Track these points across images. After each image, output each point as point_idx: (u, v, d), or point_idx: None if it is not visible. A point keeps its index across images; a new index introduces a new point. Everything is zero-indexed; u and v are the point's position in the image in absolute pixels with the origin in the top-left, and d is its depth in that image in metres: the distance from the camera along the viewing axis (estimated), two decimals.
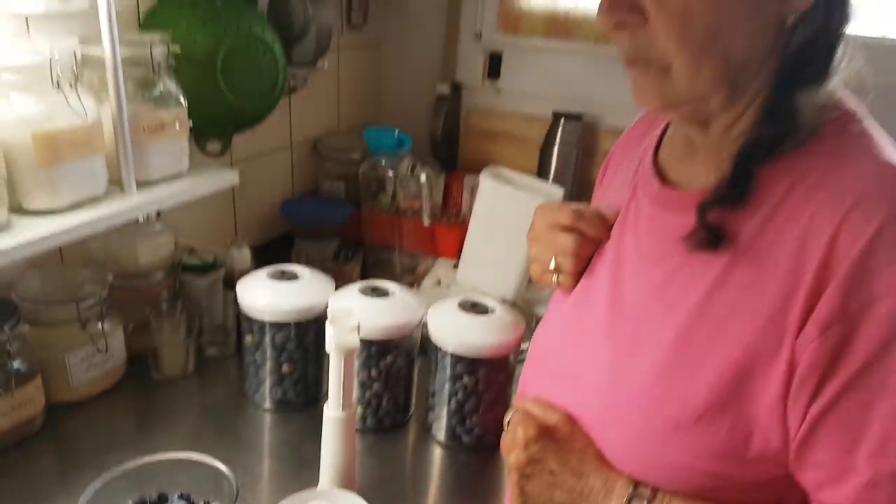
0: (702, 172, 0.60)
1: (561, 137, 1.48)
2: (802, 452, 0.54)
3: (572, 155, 1.48)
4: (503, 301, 1.06)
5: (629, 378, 0.61)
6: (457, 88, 1.65)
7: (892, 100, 0.71)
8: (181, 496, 0.64)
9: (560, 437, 0.64)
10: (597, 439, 0.63)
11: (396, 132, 1.37)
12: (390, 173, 1.36)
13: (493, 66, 1.59)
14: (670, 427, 0.58)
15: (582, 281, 0.69)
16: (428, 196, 1.32)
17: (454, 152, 1.70)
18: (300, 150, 1.51)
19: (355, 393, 0.82)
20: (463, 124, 1.68)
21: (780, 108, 0.56)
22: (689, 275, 0.59)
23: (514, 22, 1.51)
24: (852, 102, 0.58)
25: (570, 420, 0.64)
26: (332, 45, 1.36)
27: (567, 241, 0.68)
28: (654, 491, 0.59)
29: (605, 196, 0.72)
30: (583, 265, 0.69)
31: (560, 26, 1.48)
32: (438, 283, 1.31)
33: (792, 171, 0.56)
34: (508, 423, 0.69)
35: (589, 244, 0.68)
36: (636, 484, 0.60)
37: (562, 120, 1.48)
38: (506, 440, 0.68)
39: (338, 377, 0.72)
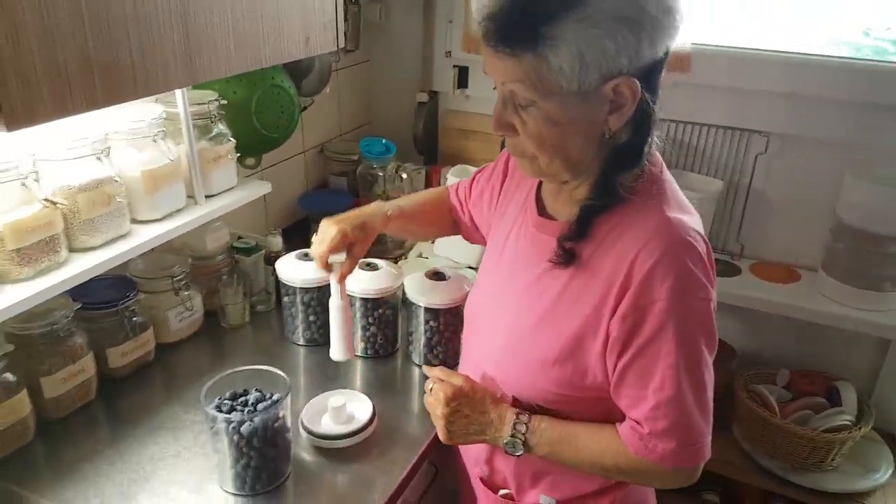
0: (563, 209, 0.91)
1: None
2: (617, 388, 0.83)
3: None
4: (468, 267, 1.46)
5: (517, 336, 0.91)
6: (433, 96, 2.00)
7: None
8: (257, 389, 1.07)
9: (465, 393, 0.93)
10: (498, 371, 0.94)
11: (384, 141, 1.76)
12: (380, 172, 1.75)
13: (462, 78, 1.93)
14: (538, 366, 0.88)
15: (494, 271, 0.99)
16: (409, 189, 1.71)
17: (434, 147, 2.06)
18: (310, 154, 1.89)
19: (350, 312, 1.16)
20: (440, 125, 2.03)
21: (605, 185, 0.82)
22: (551, 277, 0.88)
23: (476, 44, 1.80)
24: (657, 165, 0.85)
25: (469, 380, 0.95)
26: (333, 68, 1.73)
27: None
28: (530, 416, 0.90)
29: (512, 198, 1.03)
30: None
31: None
32: (420, 255, 1.71)
33: (613, 217, 0.82)
34: (430, 389, 0.96)
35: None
36: (518, 413, 0.90)
37: None
38: (430, 400, 0.96)
39: (336, 289, 1.09)
